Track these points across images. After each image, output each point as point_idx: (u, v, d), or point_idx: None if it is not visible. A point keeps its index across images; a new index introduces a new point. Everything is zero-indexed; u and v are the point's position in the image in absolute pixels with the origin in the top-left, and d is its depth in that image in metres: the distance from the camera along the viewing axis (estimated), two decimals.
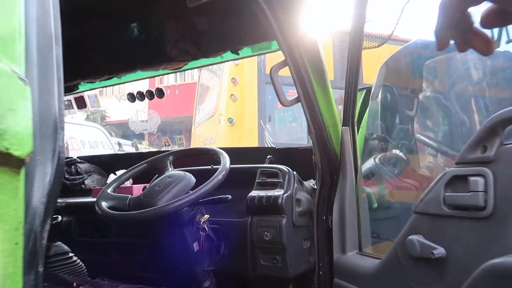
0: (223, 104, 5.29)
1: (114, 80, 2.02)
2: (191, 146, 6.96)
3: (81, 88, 2.16)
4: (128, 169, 1.55)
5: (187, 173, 1.42)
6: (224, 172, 1.34)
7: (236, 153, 1.85)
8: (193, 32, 1.56)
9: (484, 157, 0.87)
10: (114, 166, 2.37)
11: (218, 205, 1.41)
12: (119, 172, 2.20)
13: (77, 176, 2.30)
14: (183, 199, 1.25)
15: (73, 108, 2.32)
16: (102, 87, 2.19)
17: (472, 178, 0.86)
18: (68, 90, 2.12)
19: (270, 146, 4.26)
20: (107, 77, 1.92)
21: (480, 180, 0.85)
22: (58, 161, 0.54)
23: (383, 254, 1.33)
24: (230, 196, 1.35)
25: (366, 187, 1.61)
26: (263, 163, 1.75)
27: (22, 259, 0.45)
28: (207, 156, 1.53)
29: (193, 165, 1.73)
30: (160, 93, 2.01)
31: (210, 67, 6.07)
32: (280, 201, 1.42)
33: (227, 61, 1.84)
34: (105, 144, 6.16)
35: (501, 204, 0.83)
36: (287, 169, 1.54)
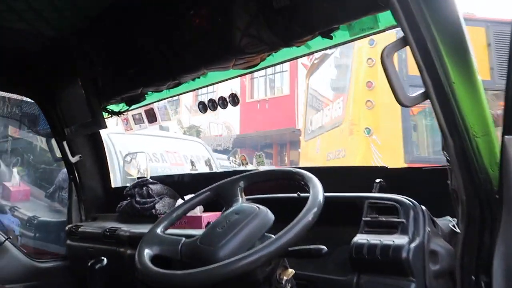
0: (356, 112, 4.54)
1: (184, 86, 1.71)
2: (301, 161, 6.34)
3: (149, 99, 1.89)
4: (186, 200, 1.18)
5: (261, 207, 0.99)
6: (315, 210, 0.89)
7: (330, 175, 1.37)
8: (268, 12, 1.15)
9: None
10: (187, 188, 2.07)
11: None
12: (188, 197, 1.86)
13: (148, 199, 2.03)
14: (255, 255, 0.82)
15: (144, 122, 2.08)
16: (171, 96, 1.90)
17: None
18: (135, 100, 1.86)
19: (379, 164, 3.60)
20: (172, 83, 1.60)
21: None
22: None
23: None
24: (325, 248, 0.88)
25: None
26: (370, 190, 1.24)
27: None
28: (291, 182, 1.08)
29: (271, 191, 1.31)
30: (234, 100, 1.64)
31: (331, 67, 5.45)
32: (405, 254, 0.91)
33: (316, 51, 1.38)
34: (207, 159, 6.12)
35: None
36: (411, 202, 1.02)
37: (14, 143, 3.92)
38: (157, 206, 1.98)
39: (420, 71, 0.98)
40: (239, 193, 1.10)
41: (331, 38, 1.19)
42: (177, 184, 2.11)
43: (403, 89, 0.98)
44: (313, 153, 5.54)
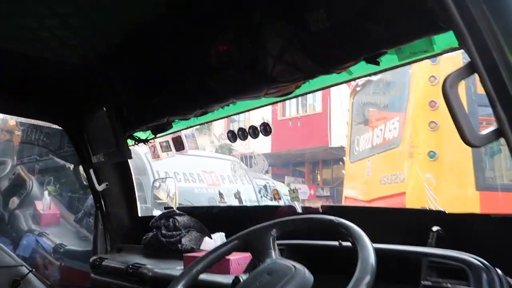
0: (416, 133, 4.16)
1: (212, 114, 1.59)
2: (346, 184, 5.95)
3: (176, 126, 1.79)
4: (211, 250, 1.04)
5: (298, 266, 0.83)
6: (368, 280, 0.71)
7: (374, 219, 1.20)
8: (305, 36, 1.01)
9: None
10: (215, 221, 1.94)
11: None
12: (216, 236, 1.73)
13: (174, 232, 1.91)
14: None
15: (171, 150, 1.98)
16: (199, 124, 1.80)
17: None
18: (161, 129, 1.77)
19: (434, 208, 3.29)
20: (200, 111, 1.49)
21: None
22: None
23: None
24: None
25: None
26: (425, 239, 1.05)
27: None
28: (332, 233, 0.92)
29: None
30: (266, 129, 1.50)
31: (382, 85, 5.11)
32: None
33: (359, 77, 1.23)
34: (244, 179, 5.98)
35: None
36: (484, 264, 0.83)
37: (46, 163, 3.95)
38: (183, 240, 1.85)
39: (492, 104, 0.80)
40: (271, 244, 0.95)
41: (377, 64, 1.03)
42: (205, 217, 1.98)
43: (471, 126, 0.80)
44: (362, 176, 5.12)
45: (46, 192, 3.38)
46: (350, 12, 0.95)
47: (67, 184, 3.90)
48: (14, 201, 3.38)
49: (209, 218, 1.97)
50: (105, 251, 2.20)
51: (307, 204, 2.52)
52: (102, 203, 2.21)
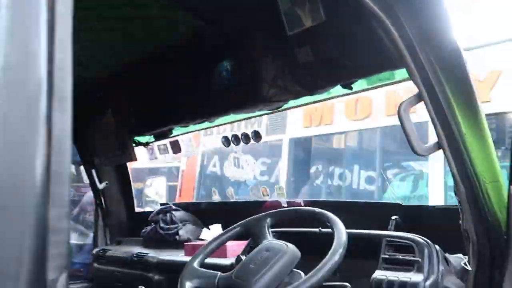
0: None
1: (208, 123, 1.84)
2: None
3: (174, 132, 2.02)
4: (219, 235, 1.29)
5: (289, 244, 1.10)
6: (341, 251, 0.99)
7: (346, 210, 1.48)
8: (294, 66, 1.27)
9: None
10: (209, 215, 2.18)
11: None
12: (213, 227, 1.98)
13: (171, 226, 2.15)
14: None
15: (168, 152, 2.21)
16: (196, 130, 2.03)
17: None
18: (163, 136, 1.99)
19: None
20: (199, 120, 1.73)
21: None
22: None
23: None
24: (349, 286, 0.98)
25: None
26: (385, 226, 1.34)
27: None
28: (314, 222, 1.19)
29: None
30: (257, 136, 1.76)
31: None
32: None
33: (336, 97, 1.51)
34: None
35: None
36: (426, 241, 1.12)
37: None
38: (180, 232, 2.09)
39: (434, 123, 1.08)
40: (266, 230, 1.21)
41: (351, 88, 1.31)
42: (199, 211, 2.22)
43: (418, 140, 1.08)
44: None
45: None
46: (330, 49, 1.22)
47: None
48: None
49: (202, 212, 2.21)
50: (105, 244, 2.40)
51: None
52: (102, 200, 2.41)
